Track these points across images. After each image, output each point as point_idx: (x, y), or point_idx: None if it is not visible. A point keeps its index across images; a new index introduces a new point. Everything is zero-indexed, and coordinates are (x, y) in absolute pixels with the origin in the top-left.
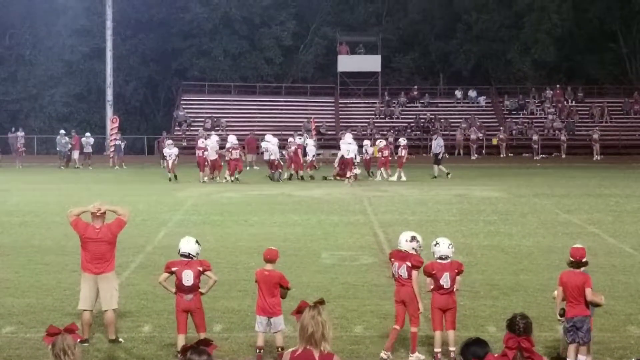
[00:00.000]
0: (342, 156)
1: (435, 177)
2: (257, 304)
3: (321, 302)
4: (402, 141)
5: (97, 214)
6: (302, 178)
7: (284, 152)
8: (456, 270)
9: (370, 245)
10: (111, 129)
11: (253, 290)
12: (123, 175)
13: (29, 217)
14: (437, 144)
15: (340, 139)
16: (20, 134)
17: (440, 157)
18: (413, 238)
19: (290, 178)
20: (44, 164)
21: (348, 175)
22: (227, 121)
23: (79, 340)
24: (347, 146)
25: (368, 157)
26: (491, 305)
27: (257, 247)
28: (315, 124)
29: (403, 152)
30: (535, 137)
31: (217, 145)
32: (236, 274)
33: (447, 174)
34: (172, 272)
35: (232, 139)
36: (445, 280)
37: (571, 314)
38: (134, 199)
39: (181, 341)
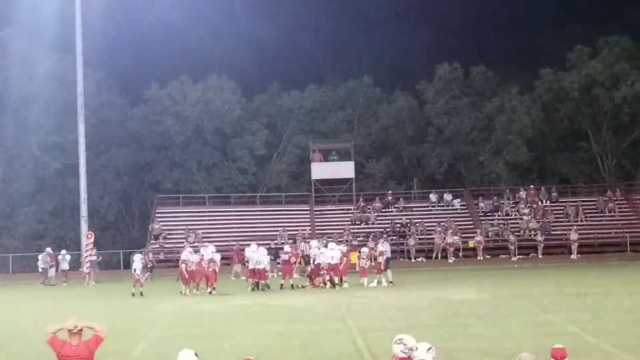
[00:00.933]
0: (315, 262)
1: (391, 282)
2: None
3: None
4: (380, 247)
5: (74, 331)
6: (292, 286)
7: (279, 259)
8: None
9: (350, 353)
10: (86, 245)
11: None
12: (99, 290)
13: (4, 336)
14: (385, 249)
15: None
16: None
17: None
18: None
19: (282, 287)
20: (19, 282)
21: (321, 280)
22: (203, 232)
23: None
24: (332, 252)
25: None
26: None
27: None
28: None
29: (380, 258)
30: (511, 238)
31: (197, 257)
32: None
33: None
34: None
35: (211, 250)
36: None
37: None
38: (111, 313)
39: None
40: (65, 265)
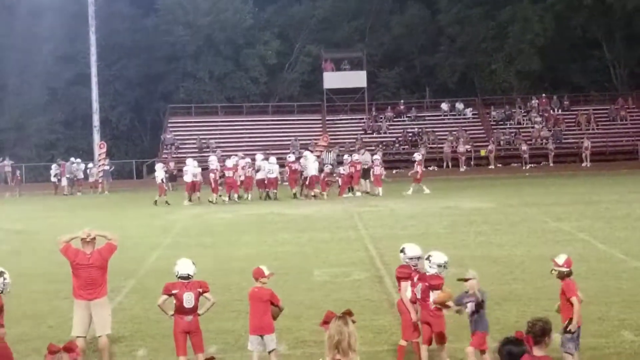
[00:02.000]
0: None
1: (367, 192)
2: (250, 322)
3: (349, 313)
4: (417, 156)
5: (87, 240)
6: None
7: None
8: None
9: (362, 260)
10: (99, 155)
11: (246, 311)
12: (112, 200)
13: (19, 245)
14: (365, 159)
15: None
16: (8, 163)
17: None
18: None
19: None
20: (33, 192)
21: (317, 190)
22: (216, 142)
23: (77, 359)
24: (313, 164)
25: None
26: (488, 314)
27: (249, 268)
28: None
29: (418, 168)
30: (524, 147)
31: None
32: (229, 294)
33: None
34: (171, 294)
35: (234, 160)
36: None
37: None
38: (125, 223)
39: None
40: (80, 175)
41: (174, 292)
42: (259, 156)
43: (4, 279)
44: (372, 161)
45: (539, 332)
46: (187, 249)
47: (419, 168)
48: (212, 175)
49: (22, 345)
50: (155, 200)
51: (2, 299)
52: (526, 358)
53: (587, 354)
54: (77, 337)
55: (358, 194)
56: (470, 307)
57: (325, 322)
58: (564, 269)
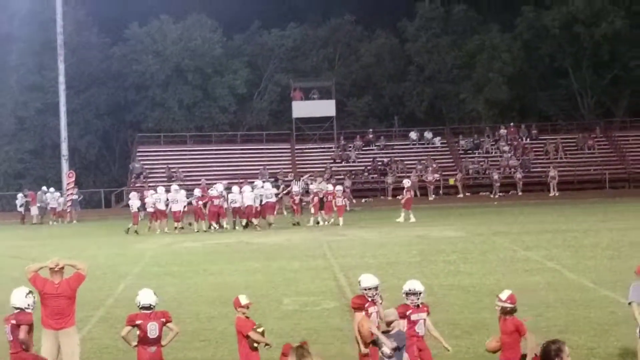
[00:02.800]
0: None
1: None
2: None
3: (304, 343)
4: (406, 183)
5: (55, 269)
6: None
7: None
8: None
9: (331, 289)
10: (68, 184)
11: (216, 340)
12: (81, 229)
13: None
14: (320, 188)
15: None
16: None
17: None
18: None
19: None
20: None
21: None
22: (185, 170)
23: None
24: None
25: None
26: (454, 345)
27: (219, 297)
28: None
29: (407, 194)
30: (495, 176)
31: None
32: (198, 323)
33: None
34: (134, 325)
35: (219, 188)
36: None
37: None
38: (93, 252)
39: None
40: (54, 204)
41: (137, 322)
42: (235, 187)
43: (33, 297)
44: (333, 191)
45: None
46: (156, 278)
47: (408, 194)
48: (199, 204)
49: None
50: (128, 229)
51: (32, 317)
52: None
53: None
54: None
55: (321, 222)
56: (385, 351)
57: (284, 354)
58: (508, 305)
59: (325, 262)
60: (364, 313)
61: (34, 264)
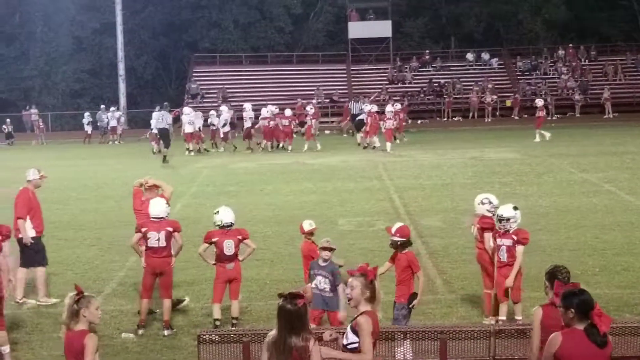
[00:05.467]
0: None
1: (364, 146)
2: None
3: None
4: (539, 102)
5: (145, 187)
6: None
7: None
8: None
9: (386, 210)
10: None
11: (271, 259)
12: (138, 149)
13: (45, 193)
14: (359, 108)
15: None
16: (34, 111)
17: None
18: (486, 200)
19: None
20: (58, 140)
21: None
22: (241, 91)
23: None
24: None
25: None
26: None
27: (274, 216)
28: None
29: (540, 113)
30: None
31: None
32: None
33: (361, 145)
34: (211, 243)
35: (272, 109)
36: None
37: None
38: (149, 172)
39: (217, 310)
40: (114, 122)
41: (214, 240)
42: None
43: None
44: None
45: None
46: (212, 198)
47: (540, 113)
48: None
49: (49, 291)
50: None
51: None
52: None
53: (613, 304)
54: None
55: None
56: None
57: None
58: (397, 239)
59: (380, 183)
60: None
61: (138, 180)
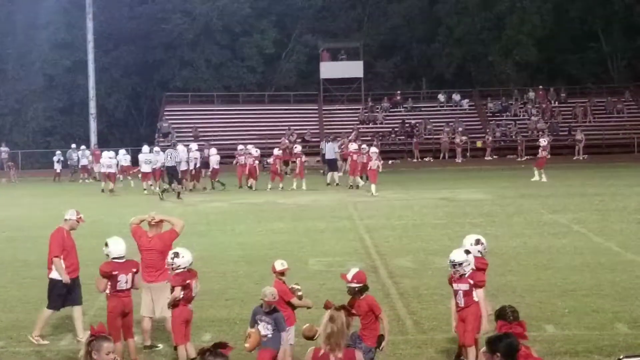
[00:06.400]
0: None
1: (337, 184)
2: None
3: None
4: (543, 141)
5: (152, 223)
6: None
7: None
8: None
9: (357, 250)
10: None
11: (241, 299)
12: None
13: (15, 232)
14: (332, 149)
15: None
16: (4, 149)
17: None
18: (477, 241)
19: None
20: (28, 178)
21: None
22: (212, 130)
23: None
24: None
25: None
26: None
27: (245, 256)
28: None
29: (543, 153)
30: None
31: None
32: (224, 282)
33: (336, 184)
34: (186, 285)
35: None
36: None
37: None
38: (121, 210)
39: (182, 352)
40: (84, 161)
41: (188, 281)
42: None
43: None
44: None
45: (518, 317)
46: (183, 237)
47: (543, 153)
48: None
49: (15, 332)
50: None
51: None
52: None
53: (581, 347)
54: (144, 317)
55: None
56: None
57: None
58: (354, 285)
59: (350, 222)
60: None
61: (137, 217)
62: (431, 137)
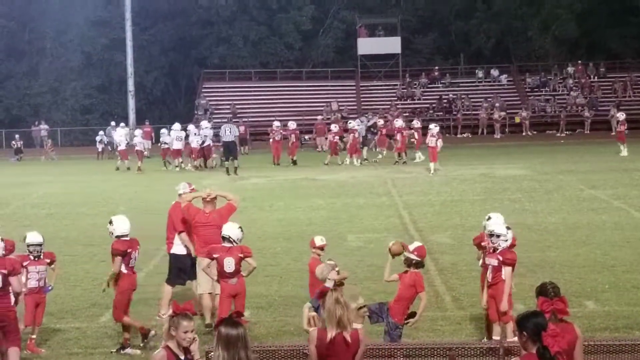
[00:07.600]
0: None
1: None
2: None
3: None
4: (621, 116)
5: (207, 199)
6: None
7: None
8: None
9: (395, 226)
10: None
11: (280, 275)
12: (149, 164)
13: (55, 209)
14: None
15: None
16: (44, 127)
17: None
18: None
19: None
20: (68, 155)
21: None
22: (249, 107)
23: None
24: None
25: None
26: (518, 282)
27: (283, 232)
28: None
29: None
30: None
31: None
32: (262, 259)
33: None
34: (212, 258)
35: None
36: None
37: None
38: (159, 187)
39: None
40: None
41: (215, 256)
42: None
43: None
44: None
45: (559, 292)
46: None
47: (621, 127)
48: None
49: (56, 308)
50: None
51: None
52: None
53: (621, 323)
54: (203, 294)
55: (355, 162)
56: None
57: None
58: (413, 257)
59: (389, 199)
60: None
61: (190, 194)
62: (469, 112)
